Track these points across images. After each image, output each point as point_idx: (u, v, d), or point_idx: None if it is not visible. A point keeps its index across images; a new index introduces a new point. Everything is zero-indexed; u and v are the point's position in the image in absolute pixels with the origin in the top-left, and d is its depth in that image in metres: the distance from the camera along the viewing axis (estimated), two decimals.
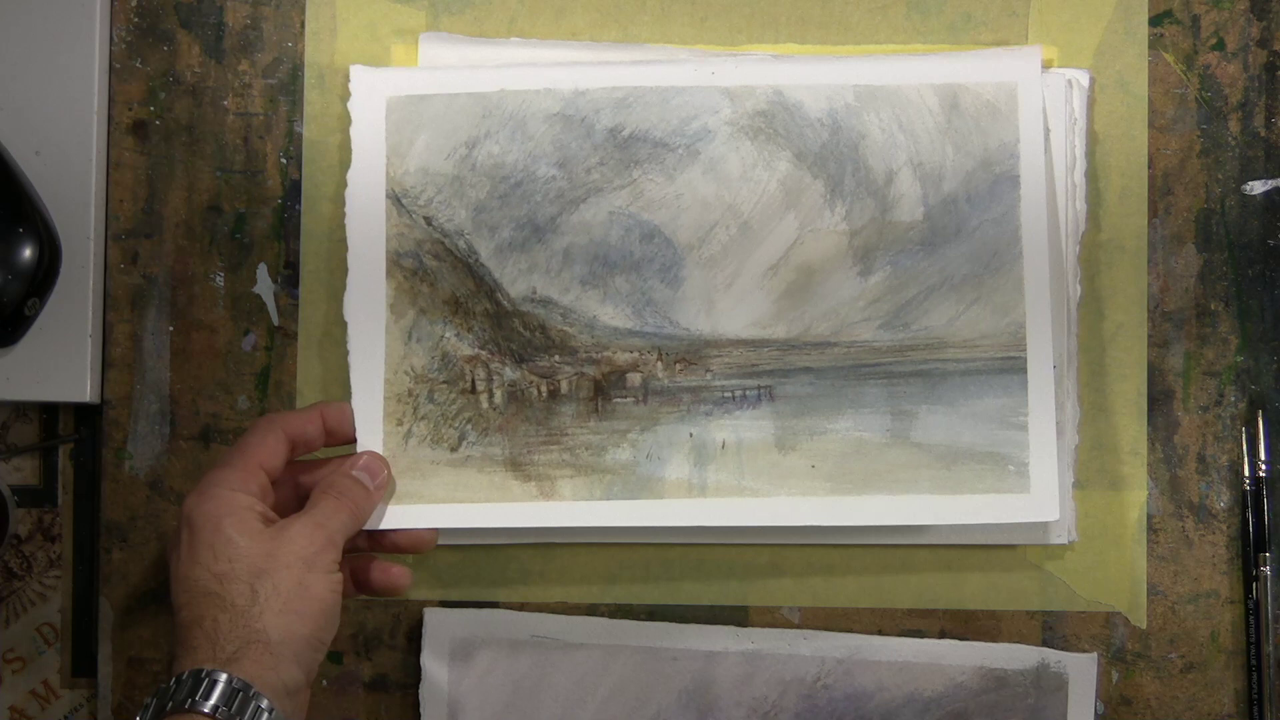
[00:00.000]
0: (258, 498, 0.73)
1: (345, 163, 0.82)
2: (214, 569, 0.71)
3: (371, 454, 0.78)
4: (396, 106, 0.80)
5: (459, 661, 0.81)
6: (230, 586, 0.70)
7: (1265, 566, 0.80)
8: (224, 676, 0.68)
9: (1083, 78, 0.80)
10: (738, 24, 0.82)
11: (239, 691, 0.68)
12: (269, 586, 0.71)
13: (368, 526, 0.77)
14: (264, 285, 0.82)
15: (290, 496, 0.77)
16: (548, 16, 0.82)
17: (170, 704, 0.68)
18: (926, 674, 0.81)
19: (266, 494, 0.74)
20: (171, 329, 0.82)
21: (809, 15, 0.82)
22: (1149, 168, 0.82)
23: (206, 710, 0.67)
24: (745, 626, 0.82)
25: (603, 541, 0.82)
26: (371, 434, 0.79)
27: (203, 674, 0.68)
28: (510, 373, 0.80)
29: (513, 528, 0.79)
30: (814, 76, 0.80)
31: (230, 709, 0.67)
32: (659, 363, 0.80)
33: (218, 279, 0.82)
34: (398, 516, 0.78)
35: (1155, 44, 0.82)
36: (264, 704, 0.68)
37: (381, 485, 0.78)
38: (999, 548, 0.81)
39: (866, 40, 0.82)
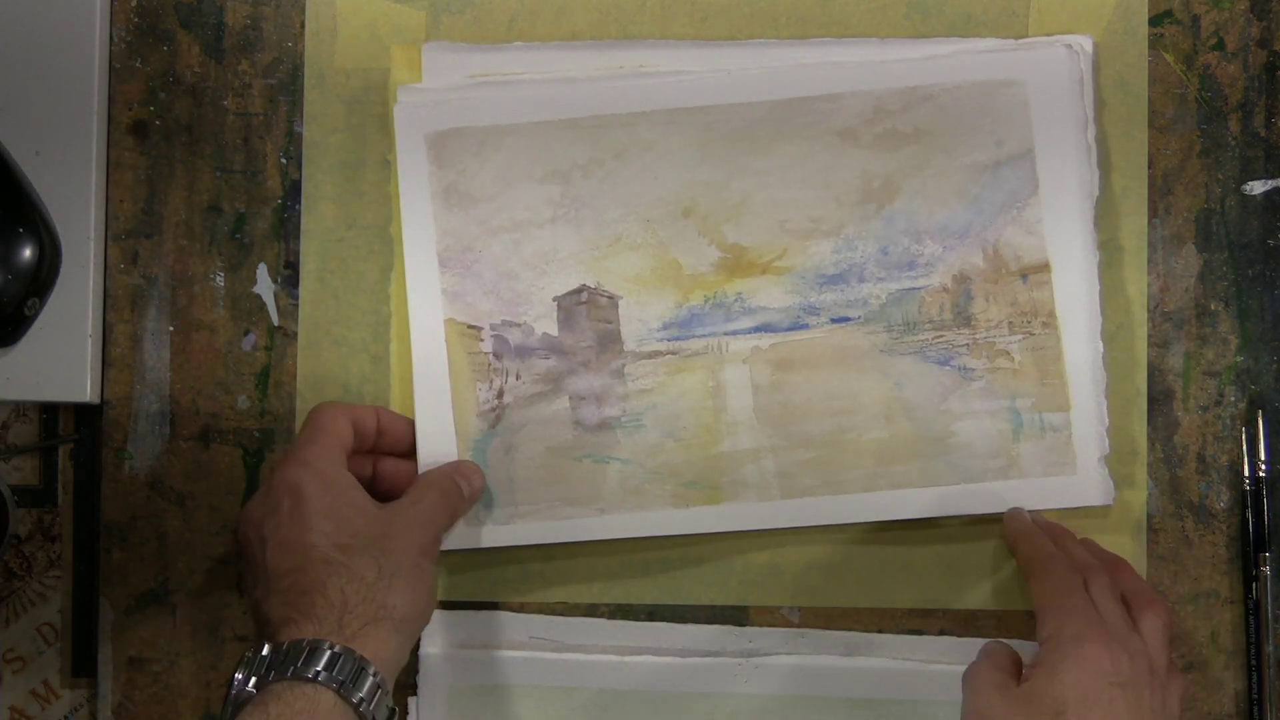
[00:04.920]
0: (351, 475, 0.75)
1: (345, 162, 0.82)
2: (334, 539, 0.71)
3: (470, 463, 0.80)
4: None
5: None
6: (355, 559, 0.71)
7: (1265, 566, 0.80)
8: (346, 649, 0.68)
9: (1086, 43, 0.80)
10: (738, 24, 0.82)
11: (360, 667, 0.68)
12: (391, 565, 0.71)
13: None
14: (264, 285, 0.82)
15: None
16: (548, 16, 0.82)
17: (291, 670, 0.68)
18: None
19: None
20: (171, 329, 0.82)
21: (809, 15, 0.82)
22: (1149, 168, 0.82)
23: (325, 680, 0.67)
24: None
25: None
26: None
27: (325, 645, 0.68)
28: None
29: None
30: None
31: (352, 683, 0.68)
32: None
33: (218, 279, 0.82)
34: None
35: (1155, 44, 0.82)
36: (379, 679, 0.69)
37: (474, 495, 0.79)
38: (999, 548, 0.81)
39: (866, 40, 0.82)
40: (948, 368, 0.80)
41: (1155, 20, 0.82)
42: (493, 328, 0.81)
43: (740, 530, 0.81)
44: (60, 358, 0.81)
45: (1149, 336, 0.81)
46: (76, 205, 0.81)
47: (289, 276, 0.82)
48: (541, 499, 0.80)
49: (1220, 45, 0.82)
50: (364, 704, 0.68)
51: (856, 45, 0.81)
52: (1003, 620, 0.81)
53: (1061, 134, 0.79)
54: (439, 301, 0.81)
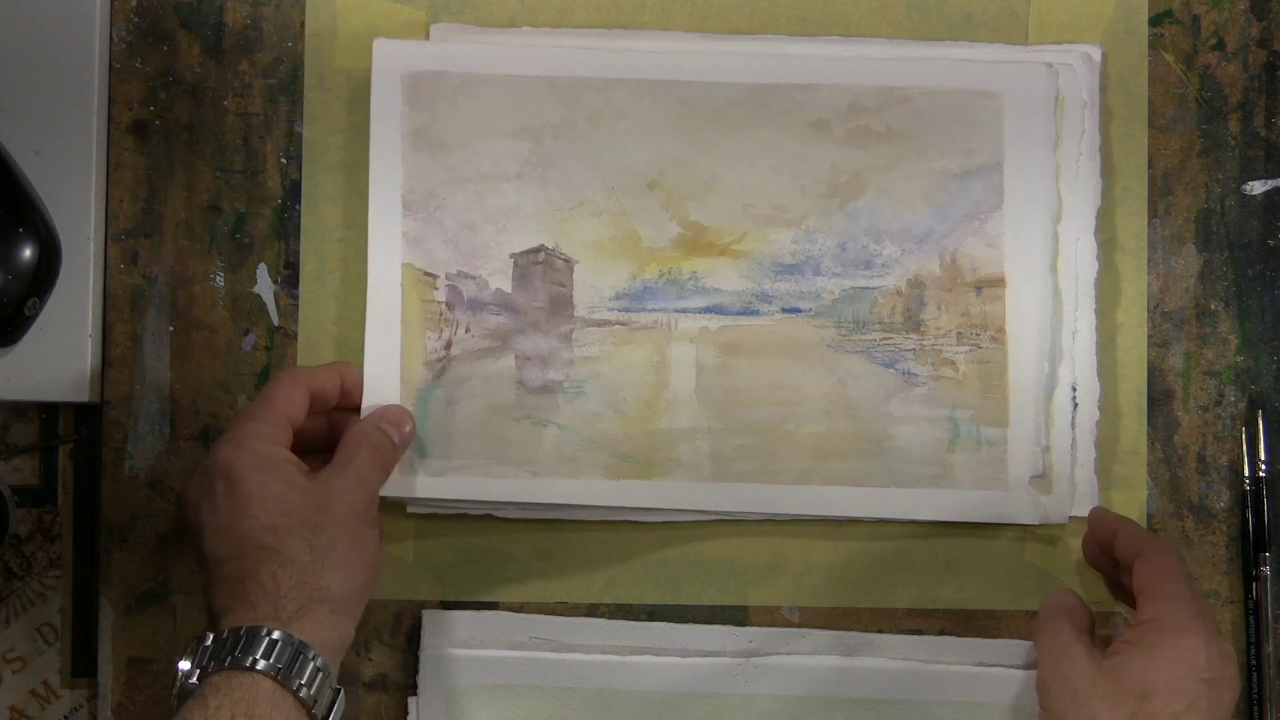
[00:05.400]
0: (289, 451, 0.74)
1: (345, 162, 0.82)
2: (266, 521, 0.71)
3: (398, 408, 0.79)
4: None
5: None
6: (286, 541, 0.71)
7: (1265, 566, 0.80)
8: (284, 635, 0.68)
9: (1094, 52, 0.80)
10: (737, 23, 0.82)
11: (299, 652, 0.68)
12: (324, 541, 0.71)
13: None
14: (264, 285, 0.82)
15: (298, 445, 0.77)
16: (548, 16, 0.82)
17: (229, 660, 0.68)
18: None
19: (291, 447, 0.75)
20: (171, 329, 0.82)
21: (809, 15, 0.82)
22: (1149, 168, 0.82)
23: (264, 669, 0.67)
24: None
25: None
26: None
27: (262, 631, 0.68)
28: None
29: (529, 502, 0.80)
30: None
31: (291, 669, 0.68)
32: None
33: (218, 279, 0.82)
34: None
35: (1155, 44, 0.82)
36: (320, 662, 0.69)
37: (405, 441, 0.78)
38: (998, 548, 0.81)
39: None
40: (892, 370, 0.80)
41: (1155, 20, 0.82)
42: (448, 277, 0.81)
43: (669, 509, 0.80)
44: (60, 358, 0.81)
45: (1149, 336, 0.81)
46: (76, 205, 0.81)
47: (289, 276, 0.82)
48: (476, 455, 0.80)
49: (1220, 45, 0.82)
50: (304, 689, 0.68)
51: (843, 44, 0.81)
52: (1003, 620, 0.81)
53: (1033, 151, 0.80)
54: (399, 245, 0.80)
